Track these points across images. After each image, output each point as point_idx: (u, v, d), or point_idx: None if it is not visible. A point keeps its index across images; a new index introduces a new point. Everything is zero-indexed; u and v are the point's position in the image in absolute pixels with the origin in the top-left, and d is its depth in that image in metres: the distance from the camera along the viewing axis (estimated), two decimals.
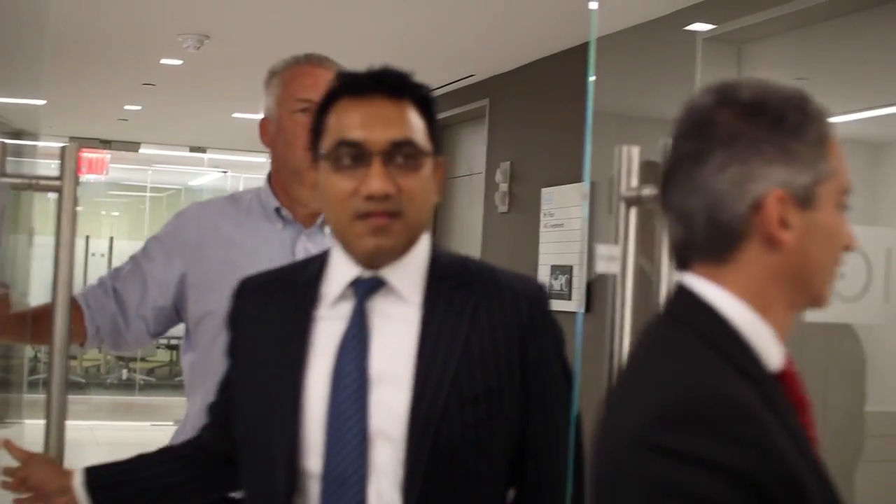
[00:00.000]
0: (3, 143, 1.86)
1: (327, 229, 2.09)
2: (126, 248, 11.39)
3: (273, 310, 1.60)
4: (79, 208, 1.92)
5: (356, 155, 1.49)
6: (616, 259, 1.81)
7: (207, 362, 2.12)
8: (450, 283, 1.56)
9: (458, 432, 1.47)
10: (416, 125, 1.53)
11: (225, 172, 12.71)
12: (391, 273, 1.54)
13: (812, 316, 2.17)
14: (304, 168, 1.96)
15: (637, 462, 1.07)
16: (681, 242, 1.24)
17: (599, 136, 1.65)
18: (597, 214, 5.11)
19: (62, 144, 1.91)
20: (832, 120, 1.21)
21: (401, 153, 1.50)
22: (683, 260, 1.24)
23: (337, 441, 1.46)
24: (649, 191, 1.73)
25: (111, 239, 10.95)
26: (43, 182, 1.89)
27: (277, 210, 2.28)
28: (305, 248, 2.23)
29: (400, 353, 1.51)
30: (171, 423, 8.65)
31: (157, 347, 11.35)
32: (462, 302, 1.54)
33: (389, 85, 1.53)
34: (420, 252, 1.58)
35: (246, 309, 1.66)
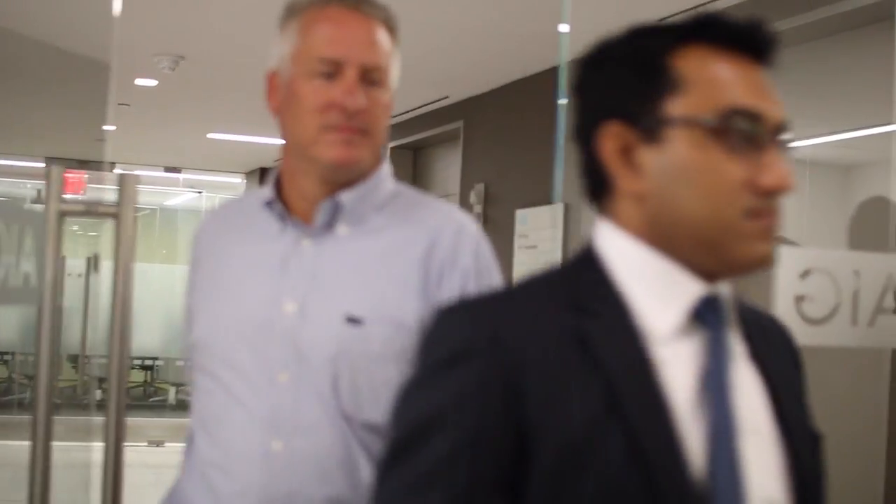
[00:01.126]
0: (62, 170, 1.81)
1: (339, 231, 1.69)
2: (104, 268, 11.35)
3: (578, 356, 1.10)
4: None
5: (751, 134, 1.11)
6: None
7: (197, 406, 1.78)
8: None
9: (822, 491, 1.22)
10: None
11: (200, 193, 12.71)
12: (725, 291, 1.18)
13: None
14: (312, 149, 1.65)
15: None
16: None
17: (572, 158, 1.65)
18: (570, 235, 5.14)
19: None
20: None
21: (782, 141, 1.14)
22: None
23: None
24: None
25: (88, 259, 10.89)
26: (101, 209, 1.88)
27: (269, 205, 1.72)
28: (310, 265, 1.67)
29: (753, 395, 1.17)
30: (144, 443, 8.60)
31: (132, 368, 11.30)
32: (760, 331, 1.23)
33: (765, 49, 1.15)
34: None
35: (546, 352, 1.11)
